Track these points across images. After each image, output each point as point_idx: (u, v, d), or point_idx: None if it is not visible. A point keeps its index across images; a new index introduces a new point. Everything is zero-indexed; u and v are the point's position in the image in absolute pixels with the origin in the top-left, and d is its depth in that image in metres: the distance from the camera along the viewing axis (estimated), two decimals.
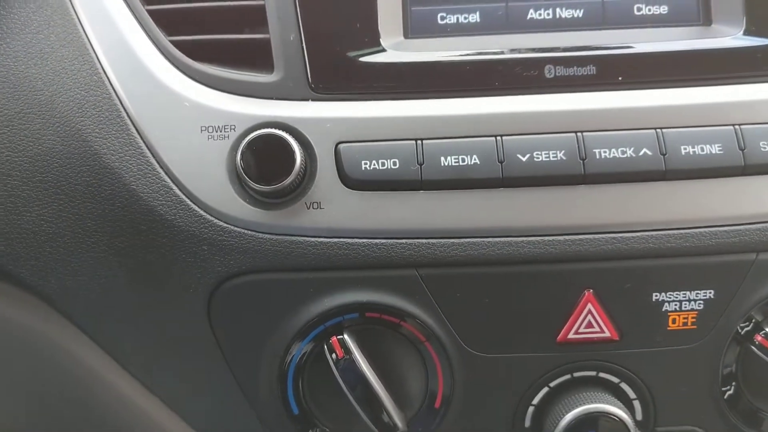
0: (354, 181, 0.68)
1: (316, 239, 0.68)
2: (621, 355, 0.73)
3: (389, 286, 0.70)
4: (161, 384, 0.77)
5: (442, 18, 0.73)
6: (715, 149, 0.68)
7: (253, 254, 0.69)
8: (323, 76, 0.70)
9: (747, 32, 0.72)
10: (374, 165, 0.68)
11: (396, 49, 0.72)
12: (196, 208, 0.68)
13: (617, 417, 0.71)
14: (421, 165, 0.68)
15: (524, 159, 0.68)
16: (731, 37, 0.73)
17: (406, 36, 0.73)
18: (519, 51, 0.71)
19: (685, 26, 0.74)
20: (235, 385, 0.74)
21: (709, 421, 0.76)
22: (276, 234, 0.68)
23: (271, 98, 0.70)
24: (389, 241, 0.69)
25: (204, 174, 0.68)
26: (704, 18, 0.74)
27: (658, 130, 0.69)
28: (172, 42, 0.72)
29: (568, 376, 0.74)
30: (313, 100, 0.70)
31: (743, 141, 0.69)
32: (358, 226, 0.69)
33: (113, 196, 0.69)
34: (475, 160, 0.68)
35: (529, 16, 0.74)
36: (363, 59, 0.70)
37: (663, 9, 0.74)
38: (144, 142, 0.69)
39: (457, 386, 0.73)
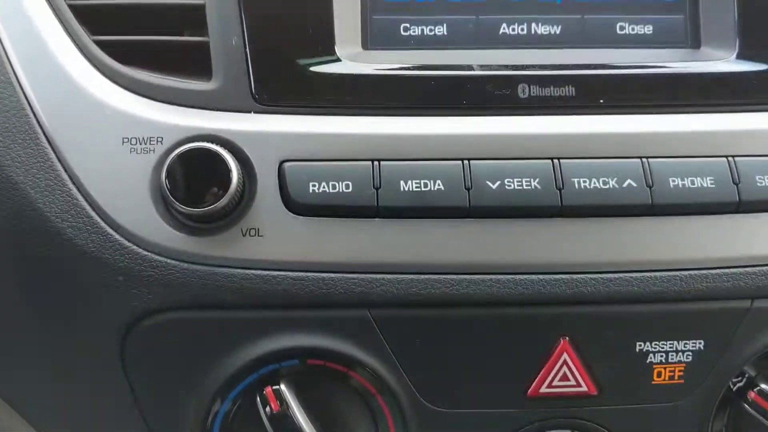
0: (300, 206, 0.63)
1: (253, 272, 0.63)
2: (599, 412, 0.69)
3: (336, 329, 0.65)
4: None
5: (406, 29, 0.70)
6: (707, 182, 0.65)
7: (177, 288, 0.63)
8: (268, 86, 0.66)
9: (740, 56, 0.70)
10: (324, 187, 0.63)
11: (353, 60, 0.68)
12: (111, 231, 0.63)
13: None
14: (377, 189, 0.63)
15: (494, 186, 0.64)
16: (723, 61, 0.70)
17: (364, 47, 0.70)
18: (490, 67, 0.68)
19: (671, 47, 0.72)
20: None
21: None
22: (205, 265, 0.63)
23: (207, 108, 0.66)
24: (338, 275, 0.64)
25: (123, 192, 0.63)
26: (692, 40, 0.72)
27: (644, 160, 0.65)
28: (95, 41, 0.68)
29: None
30: (255, 112, 0.66)
31: (737, 174, 0.66)
32: (303, 258, 0.64)
33: (18, 214, 0.63)
34: (438, 185, 0.63)
35: (501, 30, 0.71)
36: (315, 69, 0.67)
37: (647, 29, 0.72)
38: (55, 152, 0.64)
39: None
